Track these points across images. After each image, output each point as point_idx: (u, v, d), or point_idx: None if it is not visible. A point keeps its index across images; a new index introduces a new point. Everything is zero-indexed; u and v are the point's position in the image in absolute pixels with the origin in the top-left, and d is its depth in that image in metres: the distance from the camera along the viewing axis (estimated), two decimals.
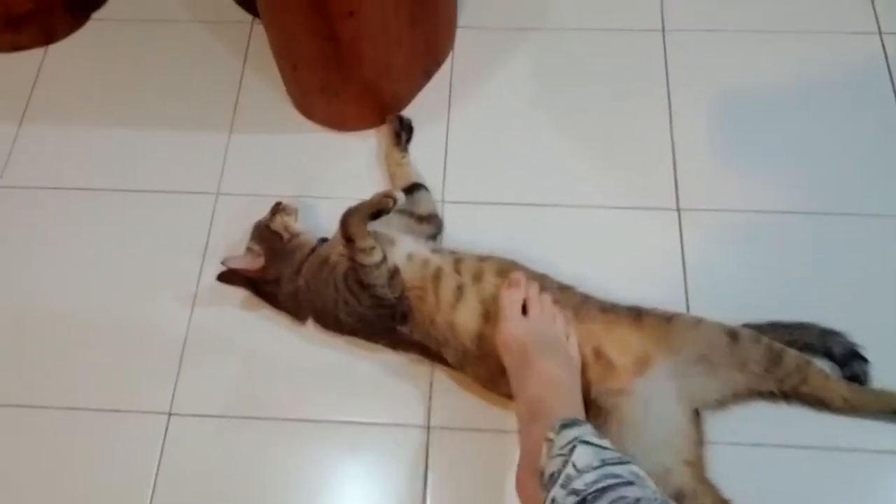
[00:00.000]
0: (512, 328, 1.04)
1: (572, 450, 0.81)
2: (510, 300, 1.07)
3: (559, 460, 0.81)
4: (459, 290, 1.10)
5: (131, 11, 1.59)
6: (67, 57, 1.55)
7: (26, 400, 1.21)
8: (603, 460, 0.79)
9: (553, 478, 0.79)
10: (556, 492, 0.77)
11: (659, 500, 0.74)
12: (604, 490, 0.75)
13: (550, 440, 0.84)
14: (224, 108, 1.46)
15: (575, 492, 0.76)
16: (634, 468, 0.79)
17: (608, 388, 1.04)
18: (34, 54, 1.55)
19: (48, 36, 1.56)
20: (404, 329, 1.14)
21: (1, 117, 1.47)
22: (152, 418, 1.18)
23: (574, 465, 0.79)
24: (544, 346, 1.02)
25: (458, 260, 1.14)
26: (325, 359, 1.21)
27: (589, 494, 0.75)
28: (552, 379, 0.99)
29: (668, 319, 1.08)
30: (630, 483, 0.76)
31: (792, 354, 1.07)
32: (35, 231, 1.36)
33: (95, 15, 1.59)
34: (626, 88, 1.43)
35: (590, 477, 0.77)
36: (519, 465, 0.95)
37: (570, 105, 1.42)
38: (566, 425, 0.85)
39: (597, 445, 0.82)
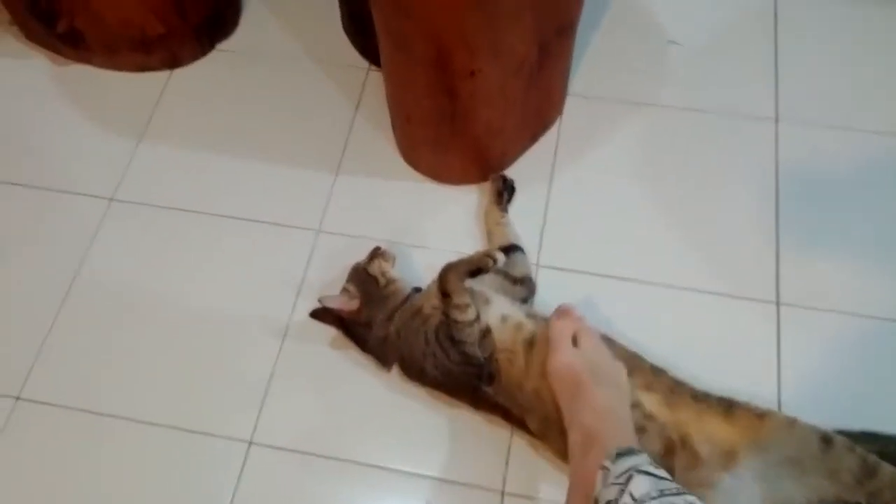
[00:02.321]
0: (564, 357, 1.04)
1: (629, 479, 0.80)
2: (561, 330, 1.07)
3: (615, 489, 0.80)
4: None
5: (254, 45, 1.65)
6: (190, 82, 1.62)
7: (112, 410, 1.25)
8: (661, 490, 0.78)
9: None
10: None
11: None
12: None
13: (606, 468, 0.83)
14: (333, 149, 1.50)
15: None
16: (692, 499, 0.77)
17: (692, 479, 1.02)
18: (159, 76, 1.63)
19: (174, 60, 1.64)
20: (489, 390, 1.14)
21: (122, 134, 1.54)
22: (233, 445, 1.21)
23: (631, 495, 0.77)
24: (597, 375, 1.02)
25: None
26: (406, 408, 1.22)
27: None
28: (606, 408, 0.98)
29: (760, 416, 1.06)
30: None
31: (887, 469, 1.03)
32: (141, 246, 1.42)
33: (220, 45, 1.66)
34: (733, 173, 1.42)
35: None
36: (569, 493, 0.94)
37: (674, 183, 1.42)
38: (622, 454, 0.85)
39: (654, 475, 0.81)
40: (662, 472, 0.82)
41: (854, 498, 1.05)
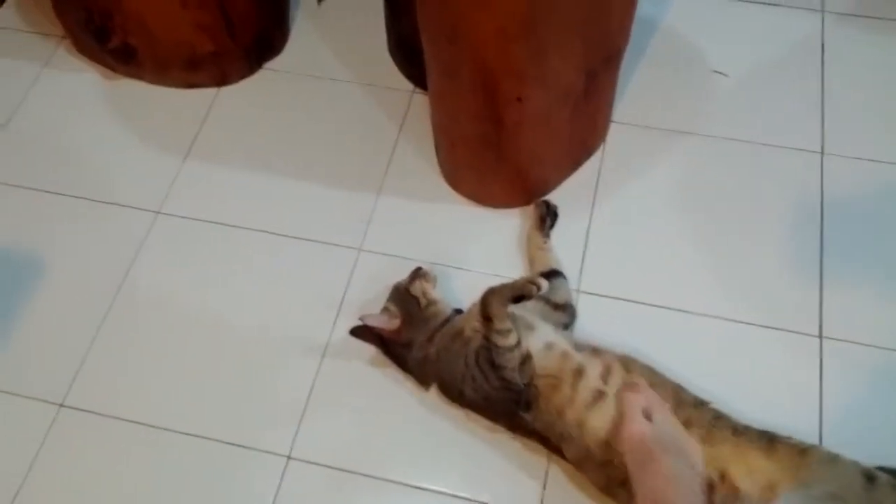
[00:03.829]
0: (636, 427, 1.03)
1: None
2: (632, 402, 1.06)
3: None
4: (600, 394, 1.10)
5: (301, 66, 1.68)
6: (237, 100, 1.65)
7: (153, 420, 1.27)
8: None
9: None
10: None
11: None
12: None
13: None
14: (376, 169, 1.51)
15: None
16: None
17: None
18: (207, 93, 1.66)
19: (222, 78, 1.67)
20: (527, 416, 1.14)
21: (169, 148, 1.57)
22: (272, 459, 1.22)
23: None
24: (667, 445, 1.02)
25: (605, 370, 1.13)
26: (443, 429, 1.23)
27: None
28: (674, 476, 0.98)
29: (801, 451, 1.05)
30: None
31: None
32: (185, 260, 1.44)
33: (268, 65, 1.69)
34: (777, 205, 1.42)
35: None
36: None
37: (718, 213, 1.42)
38: None
39: None
40: None
41: None
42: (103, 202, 1.51)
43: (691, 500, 0.95)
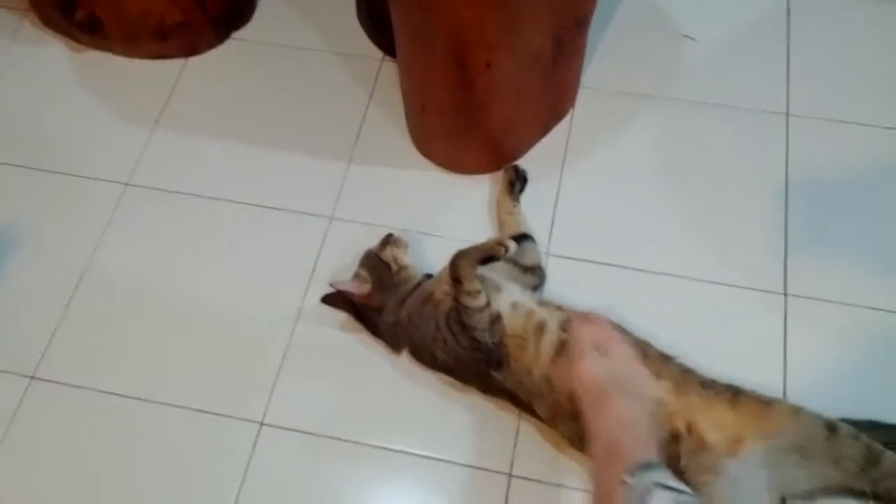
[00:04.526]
0: (589, 366, 1.00)
1: (650, 494, 0.80)
2: (582, 338, 1.04)
3: None
4: (562, 346, 1.11)
5: (269, 35, 1.67)
6: (205, 70, 1.64)
7: (124, 391, 1.27)
8: None
9: None
10: None
11: None
12: None
13: (626, 483, 0.83)
14: (346, 137, 1.51)
15: None
16: None
17: (698, 464, 1.03)
18: (175, 64, 1.64)
19: (190, 49, 1.65)
20: (498, 375, 1.16)
21: (138, 120, 1.56)
22: (245, 425, 1.23)
23: None
24: (622, 386, 0.99)
25: (566, 320, 1.14)
26: (415, 392, 1.24)
27: None
28: (630, 421, 0.95)
29: (766, 403, 1.07)
30: None
31: (891, 457, 1.04)
32: (155, 231, 1.43)
33: (236, 34, 1.68)
34: (744, 166, 1.43)
35: None
36: None
37: (685, 176, 1.43)
38: (643, 468, 0.84)
39: (674, 489, 0.81)
40: (682, 486, 0.83)
41: (858, 485, 1.06)
42: (72, 175, 1.50)
43: (644, 446, 0.92)
